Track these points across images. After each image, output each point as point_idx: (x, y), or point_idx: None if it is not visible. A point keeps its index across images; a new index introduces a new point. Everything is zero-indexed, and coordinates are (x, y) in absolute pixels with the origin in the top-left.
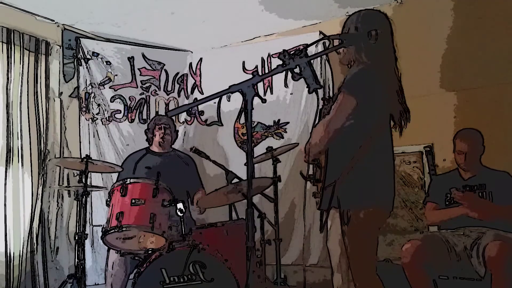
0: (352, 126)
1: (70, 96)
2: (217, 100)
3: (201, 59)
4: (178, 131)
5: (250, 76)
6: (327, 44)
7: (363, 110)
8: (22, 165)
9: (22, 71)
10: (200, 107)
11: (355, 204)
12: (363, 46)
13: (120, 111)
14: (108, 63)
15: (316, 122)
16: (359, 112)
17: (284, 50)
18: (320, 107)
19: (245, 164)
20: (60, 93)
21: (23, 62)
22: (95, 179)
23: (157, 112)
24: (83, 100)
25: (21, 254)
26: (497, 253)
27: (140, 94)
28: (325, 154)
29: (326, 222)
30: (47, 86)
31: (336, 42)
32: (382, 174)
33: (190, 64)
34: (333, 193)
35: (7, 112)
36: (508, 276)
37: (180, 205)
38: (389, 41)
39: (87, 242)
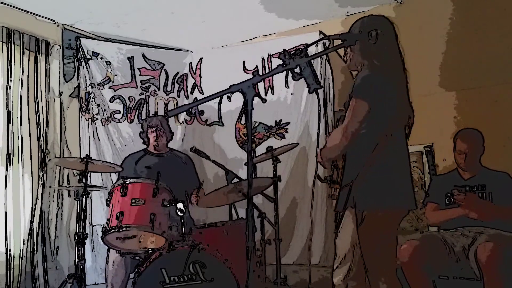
0: (368, 128)
1: (70, 96)
2: (217, 100)
3: (201, 59)
4: (173, 132)
5: (251, 76)
6: (327, 44)
7: (377, 112)
8: (22, 165)
9: (22, 71)
10: (200, 107)
11: (371, 205)
12: (369, 49)
13: (120, 111)
14: (108, 63)
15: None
16: (373, 115)
17: (284, 50)
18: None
19: (245, 164)
20: (60, 93)
21: (23, 62)
22: (95, 179)
23: (156, 113)
24: (83, 100)
25: (21, 254)
26: (487, 254)
27: (139, 94)
28: (343, 155)
29: (341, 223)
30: (47, 86)
31: (336, 42)
32: (397, 174)
33: (190, 64)
34: (349, 193)
35: (7, 112)
36: (499, 277)
37: (180, 205)
38: (394, 43)
39: (87, 242)
